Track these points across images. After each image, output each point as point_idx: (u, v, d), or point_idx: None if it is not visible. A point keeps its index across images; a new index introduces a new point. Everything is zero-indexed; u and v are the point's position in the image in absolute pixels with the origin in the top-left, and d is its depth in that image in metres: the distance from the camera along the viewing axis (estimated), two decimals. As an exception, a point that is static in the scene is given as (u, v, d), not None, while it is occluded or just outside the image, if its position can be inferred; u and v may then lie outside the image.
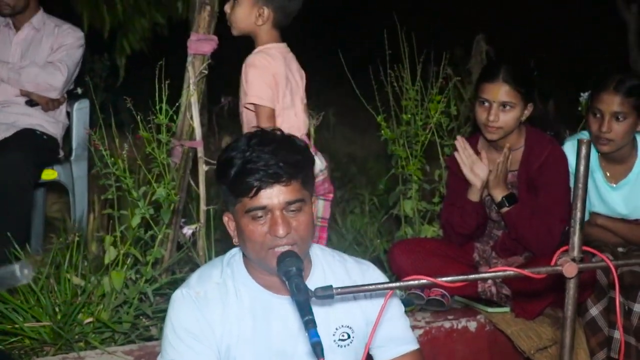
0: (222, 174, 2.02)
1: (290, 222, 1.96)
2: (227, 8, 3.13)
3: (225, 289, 2.06)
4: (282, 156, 1.95)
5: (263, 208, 1.95)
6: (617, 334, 3.07)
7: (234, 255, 2.14)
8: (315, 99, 3.33)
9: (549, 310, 3.25)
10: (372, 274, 2.19)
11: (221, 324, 2.03)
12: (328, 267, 2.15)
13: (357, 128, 7.06)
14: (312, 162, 2.07)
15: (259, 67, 3.03)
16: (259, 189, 1.94)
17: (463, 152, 3.20)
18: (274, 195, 1.94)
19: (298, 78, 3.16)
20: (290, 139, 2.04)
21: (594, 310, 3.11)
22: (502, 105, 3.13)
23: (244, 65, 3.08)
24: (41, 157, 3.79)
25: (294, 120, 3.11)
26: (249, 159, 1.95)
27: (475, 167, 3.19)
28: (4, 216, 3.53)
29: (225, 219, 2.10)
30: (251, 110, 3.06)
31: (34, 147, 3.74)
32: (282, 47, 3.14)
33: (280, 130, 2.09)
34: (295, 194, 1.96)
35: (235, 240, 2.08)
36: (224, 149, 2.08)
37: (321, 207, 3.18)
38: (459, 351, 3.23)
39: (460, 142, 3.22)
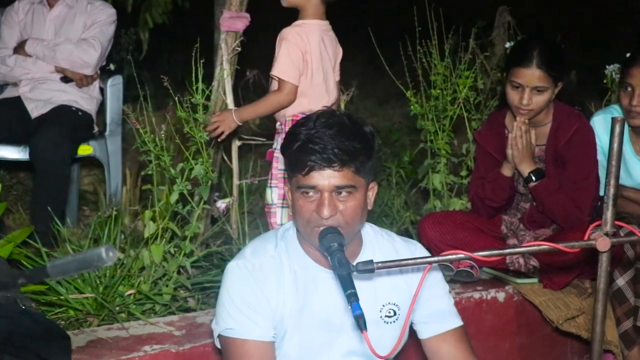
0: (286, 145, 2.06)
1: (337, 205, 2.00)
2: None
3: (280, 262, 2.12)
4: (339, 142, 1.97)
5: (313, 187, 2.00)
6: (643, 304, 3.14)
7: (288, 229, 2.20)
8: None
9: (575, 281, 3.30)
10: (420, 254, 2.25)
11: (276, 296, 2.09)
12: (378, 246, 2.21)
13: (377, 99, 7.07)
14: (372, 150, 2.07)
15: (289, 42, 3.09)
16: (311, 169, 1.98)
17: (520, 136, 3.17)
18: (324, 178, 1.99)
19: (332, 56, 3.22)
20: (356, 125, 2.04)
21: (621, 281, 3.17)
22: (534, 89, 3.13)
23: (279, 36, 3.14)
24: (78, 133, 3.87)
25: (325, 97, 3.17)
26: (311, 138, 1.99)
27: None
28: (44, 192, 3.61)
29: (286, 188, 2.17)
30: (276, 80, 3.14)
31: (71, 124, 3.81)
32: (324, 24, 3.18)
33: (349, 114, 2.10)
34: (346, 180, 2.00)
35: (289, 210, 2.14)
36: (296, 122, 2.12)
37: None
38: (488, 321, 3.29)
39: (522, 126, 3.18)
